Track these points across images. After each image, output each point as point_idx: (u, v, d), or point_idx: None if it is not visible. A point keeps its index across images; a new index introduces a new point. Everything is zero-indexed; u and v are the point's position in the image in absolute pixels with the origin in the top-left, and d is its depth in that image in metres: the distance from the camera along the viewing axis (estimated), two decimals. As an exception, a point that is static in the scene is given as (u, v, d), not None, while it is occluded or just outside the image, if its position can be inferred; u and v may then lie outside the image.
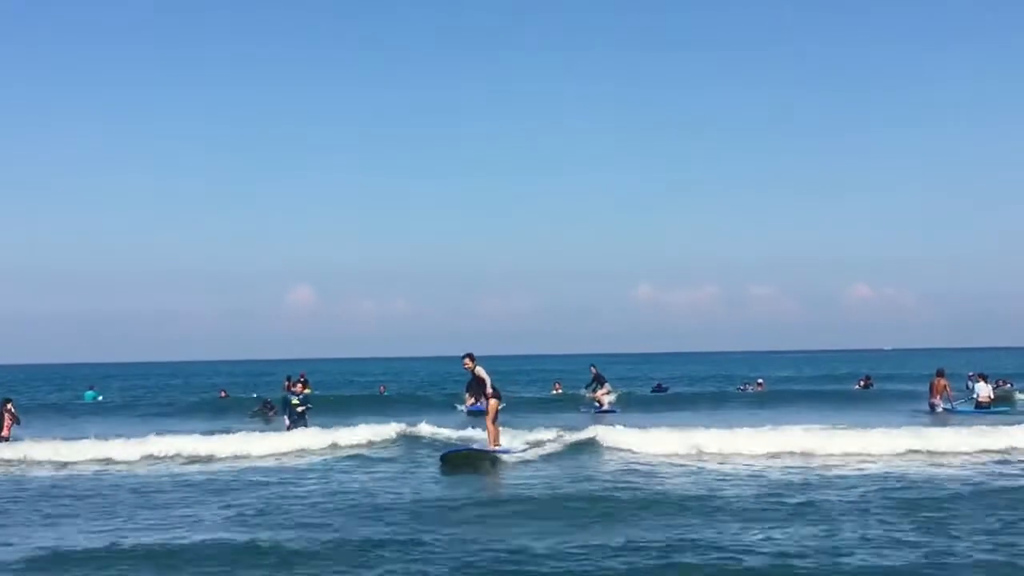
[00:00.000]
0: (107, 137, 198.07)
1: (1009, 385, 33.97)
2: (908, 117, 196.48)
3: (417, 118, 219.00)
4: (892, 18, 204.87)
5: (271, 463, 17.33)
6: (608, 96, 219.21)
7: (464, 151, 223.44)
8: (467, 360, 17.21)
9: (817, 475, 14.46)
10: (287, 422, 23.61)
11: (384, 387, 46.43)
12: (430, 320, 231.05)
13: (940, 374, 28.57)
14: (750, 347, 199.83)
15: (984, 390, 27.74)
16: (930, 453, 16.75)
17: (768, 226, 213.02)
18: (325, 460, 17.39)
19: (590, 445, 18.26)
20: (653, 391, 41.05)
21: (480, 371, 17.04)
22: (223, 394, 40.57)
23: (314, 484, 14.28)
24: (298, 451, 18.82)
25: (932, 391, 28.26)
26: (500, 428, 17.52)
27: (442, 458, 16.60)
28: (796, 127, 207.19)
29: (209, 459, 18.11)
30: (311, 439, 19.74)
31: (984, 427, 19.24)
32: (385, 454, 18.15)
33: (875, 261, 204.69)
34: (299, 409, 23.48)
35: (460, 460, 16.46)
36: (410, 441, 19.59)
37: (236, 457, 18.30)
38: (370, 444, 19.38)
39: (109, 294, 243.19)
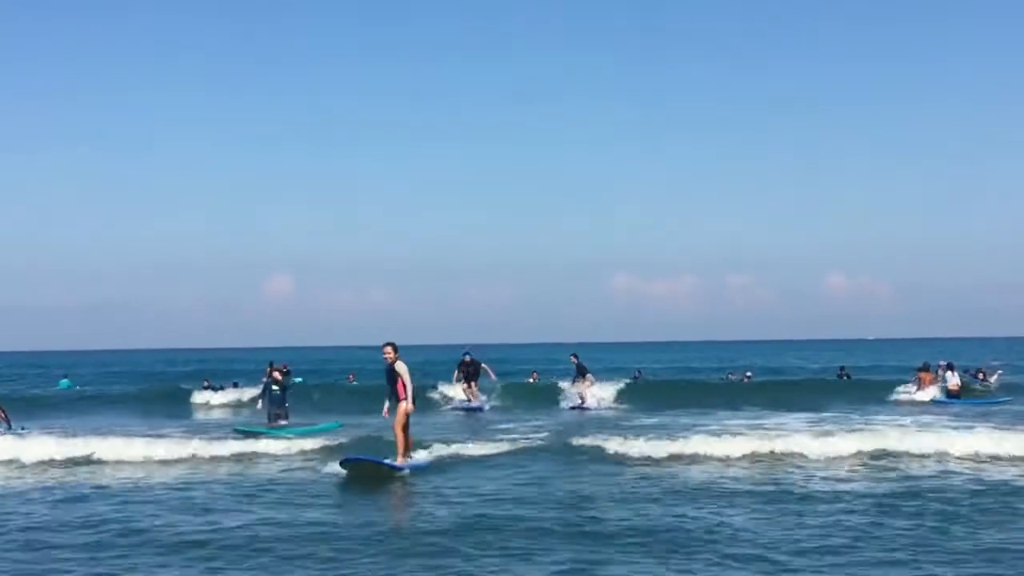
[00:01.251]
0: (84, 126, 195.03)
1: (981, 375, 33.87)
2: (887, 108, 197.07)
3: (397, 107, 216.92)
4: (883, 12, 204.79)
5: (124, 473, 15.00)
6: (588, 83, 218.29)
7: (443, 140, 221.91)
8: (388, 349, 14.50)
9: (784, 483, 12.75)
10: (260, 406, 22.41)
11: (353, 375, 45.19)
12: (409, 309, 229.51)
13: (926, 368, 30.69)
14: (729, 337, 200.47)
15: (952, 380, 29.39)
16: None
17: (746, 216, 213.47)
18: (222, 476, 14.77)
19: (535, 451, 16.32)
20: (633, 380, 38.05)
21: (401, 366, 14.45)
22: (206, 383, 38.83)
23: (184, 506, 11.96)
24: (181, 460, 16.28)
25: (921, 383, 30.07)
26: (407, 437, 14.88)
27: (341, 464, 14.28)
28: (774, 117, 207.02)
29: (89, 463, 16.09)
30: (214, 448, 17.10)
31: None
32: (285, 466, 15.67)
33: (854, 252, 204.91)
34: (276, 388, 22.72)
35: (363, 470, 14.07)
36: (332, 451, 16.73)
37: (109, 464, 16.04)
38: (298, 454, 16.89)
39: (91, 284, 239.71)
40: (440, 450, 16.47)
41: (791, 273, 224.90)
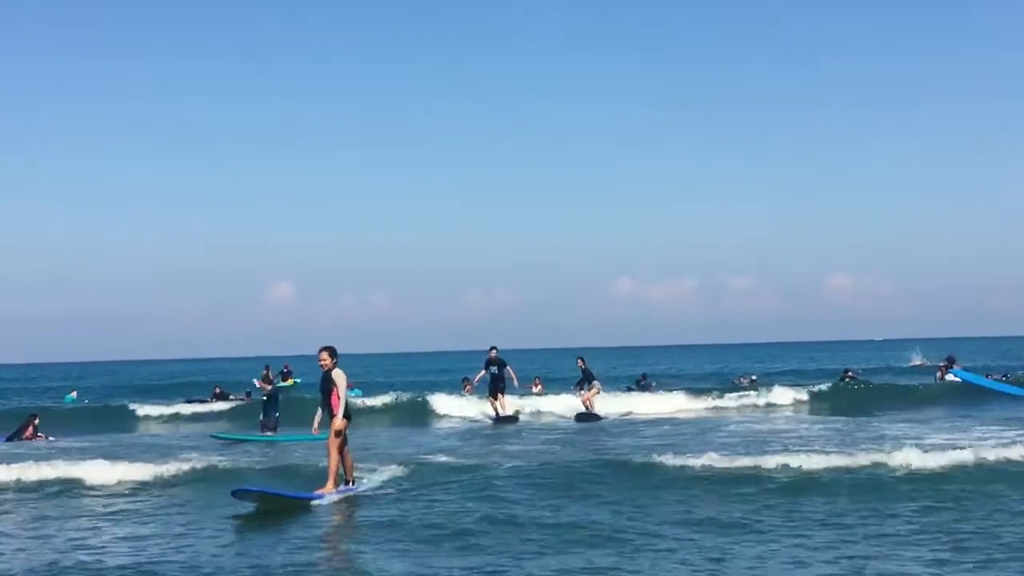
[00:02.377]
0: (84, 127, 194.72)
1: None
2: (887, 108, 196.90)
3: (392, 109, 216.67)
4: (883, 10, 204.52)
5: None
6: (588, 85, 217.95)
7: (443, 142, 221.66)
8: (324, 355, 12.86)
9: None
10: (262, 420, 21.75)
11: (352, 383, 44.75)
12: (411, 315, 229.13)
13: (950, 362, 36.62)
14: (732, 340, 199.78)
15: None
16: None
17: (747, 216, 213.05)
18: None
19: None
20: (637, 384, 36.83)
21: (338, 375, 12.78)
22: (217, 391, 37.86)
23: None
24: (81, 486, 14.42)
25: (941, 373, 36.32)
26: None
27: (233, 494, 12.28)
28: (775, 118, 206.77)
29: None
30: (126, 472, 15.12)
31: None
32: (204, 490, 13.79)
33: (857, 252, 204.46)
34: (264, 397, 22.37)
35: (264, 502, 12.18)
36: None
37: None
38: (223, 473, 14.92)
39: (89, 292, 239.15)
40: (403, 470, 14.57)
41: (793, 275, 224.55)
